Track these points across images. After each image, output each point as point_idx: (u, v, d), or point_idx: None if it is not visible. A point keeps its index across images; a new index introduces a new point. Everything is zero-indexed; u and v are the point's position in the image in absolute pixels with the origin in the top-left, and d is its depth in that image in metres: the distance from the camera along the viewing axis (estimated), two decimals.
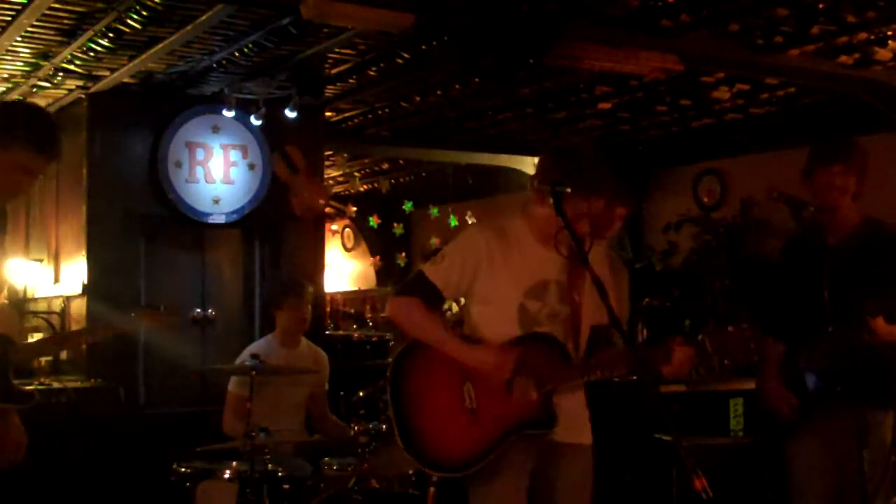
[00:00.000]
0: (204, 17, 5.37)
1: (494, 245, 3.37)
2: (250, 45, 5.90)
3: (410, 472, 4.64)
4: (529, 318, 3.35)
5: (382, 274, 12.02)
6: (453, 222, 9.42)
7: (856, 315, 3.84)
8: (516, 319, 3.34)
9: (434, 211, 10.93)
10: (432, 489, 4.31)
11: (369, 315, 11.30)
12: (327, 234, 9.69)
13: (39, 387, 6.05)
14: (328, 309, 10.61)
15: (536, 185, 3.36)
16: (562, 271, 3.39)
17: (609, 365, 3.33)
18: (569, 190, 3.20)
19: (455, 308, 5.05)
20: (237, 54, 6.09)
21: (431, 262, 3.44)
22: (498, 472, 3.27)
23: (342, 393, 5.29)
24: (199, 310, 7.18)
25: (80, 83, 6.67)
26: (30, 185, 3.23)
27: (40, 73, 6.38)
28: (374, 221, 11.57)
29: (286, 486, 4.73)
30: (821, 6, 5.33)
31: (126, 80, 6.58)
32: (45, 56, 6.07)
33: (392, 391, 3.37)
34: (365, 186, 11.32)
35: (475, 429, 3.28)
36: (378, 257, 11.98)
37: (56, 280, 7.35)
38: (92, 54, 5.98)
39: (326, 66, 6.49)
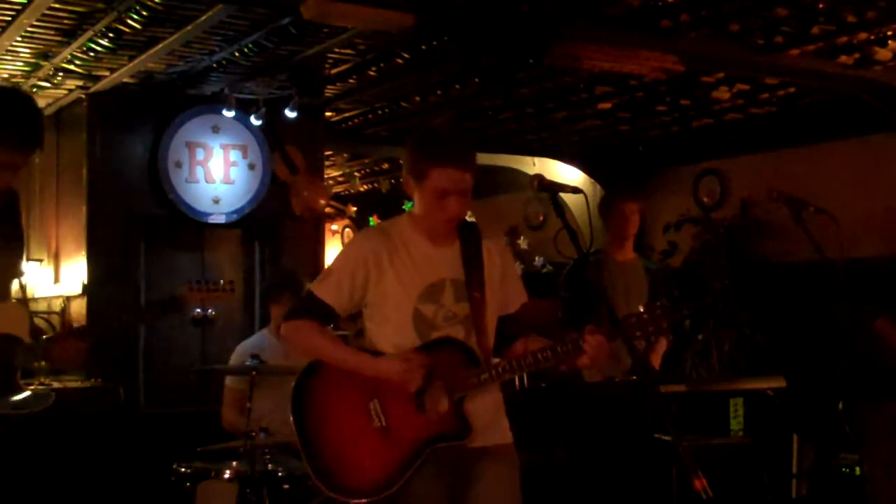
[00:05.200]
0: (204, 17, 5.37)
1: (381, 251, 3.22)
2: (250, 45, 5.90)
3: None
4: (425, 323, 3.19)
5: None
6: None
7: None
8: (411, 326, 3.18)
9: None
10: None
11: None
12: (327, 234, 9.68)
13: (39, 387, 6.02)
14: None
15: (405, 180, 3.24)
16: (456, 268, 3.24)
17: (520, 363, 3.17)
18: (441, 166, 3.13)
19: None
20: (237, 54, 6.09)
21: (319, 280, 3.29)
22: (410, 487, 3.12)
23: None
24: (199, 310, 7.17)
25: (80, 83, 6.66)
26: (10, 179, 3.12)
27: (40, 73, 6.38)
28: (374, 221, 11.55)
29: (286, 486, 4.73)
30: (821, 6, 5.33)
31: (126, 80, 6.58)
32: (45, 56, 6.07)
33: (295, 418, 3.21)
34: (365, 186, 11.32)
35: (388, 448, 3.12)
36: None
37: (56, 280, 7.35)
38: (92, 54, 5.98)
39: (326, 66, 6.48)
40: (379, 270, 3.21)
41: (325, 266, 7.95)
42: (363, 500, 3.13)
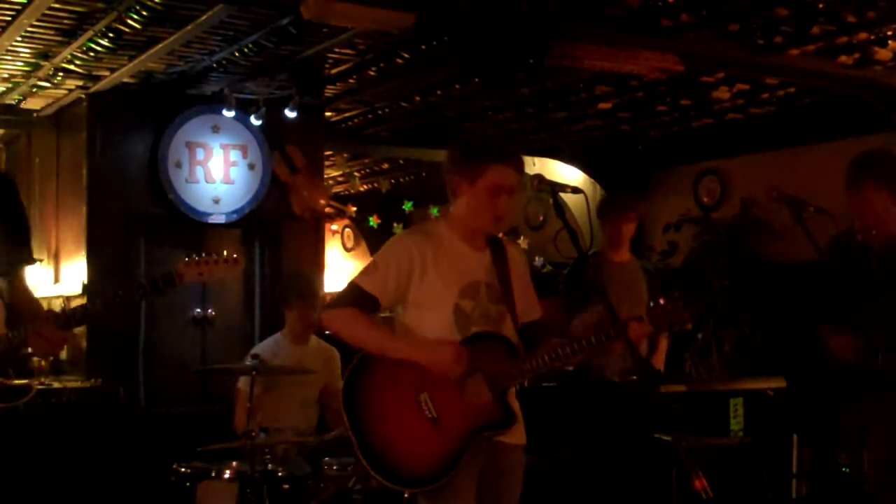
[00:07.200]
0: (204, 17, 5.37)
1: (425, 249, 3.36)
2: (250, 45, 5.90)
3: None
4: (464, 318, 3.34)
5: None
6: None
7: None
8: (452, 321, 3.33)
9: (434, 211, 10.91)
10: None
11: None
12: (327, 234, 9.67)
13: (39, 387, 6.03)
14: None
15: (448, 178, 3.42)
16: (489, 272, 3.40)
17: (558, 353, 3.31)
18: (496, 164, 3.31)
19: None
20: (237, 54, 6.09)
21: (364, 273, 3.40)
22: (456, 476, 3.25)
23: None
24: (199, 310, 7.20)
25: (80, 83, 6.66)
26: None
27: (40, 73, 6.38)
28: (374, 221, 11.56)
29: (286, 486, 4.74)
30: (821, 6, 5.33)
31: (126, 80, 6.58)
32: (45, 56, 6.07)
33: (348, 411, 3.29)
34: (365, 186, 11.31)
35: (440, 437, 3.25)
36: None
37: (56, 280, 7.35)
38: (92, 54, 5.98)
39: (326, 66, 6.48)
40: (422, 267, 3.34)
41: (326, 266, 8.00)
42: (420, 490, 3.29)
